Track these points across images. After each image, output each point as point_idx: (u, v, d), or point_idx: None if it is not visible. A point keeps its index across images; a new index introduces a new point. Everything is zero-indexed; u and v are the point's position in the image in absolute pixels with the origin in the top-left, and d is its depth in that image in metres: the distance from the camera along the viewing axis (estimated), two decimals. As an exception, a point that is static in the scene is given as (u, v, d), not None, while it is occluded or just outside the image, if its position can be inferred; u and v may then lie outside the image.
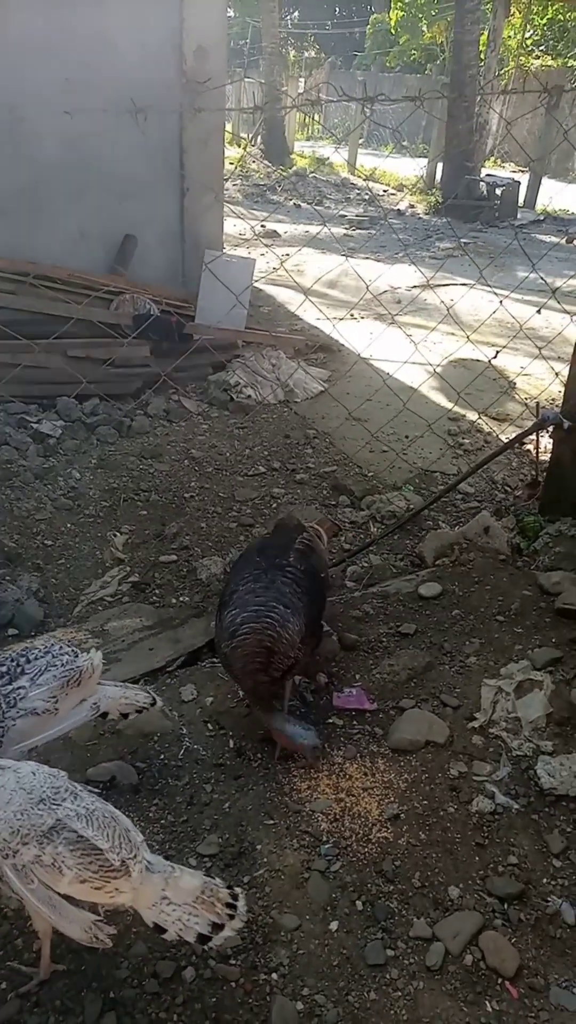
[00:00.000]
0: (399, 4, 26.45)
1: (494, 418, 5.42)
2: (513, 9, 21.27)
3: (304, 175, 17.31)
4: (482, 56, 16.09)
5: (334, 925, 1.94)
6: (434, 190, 16.36)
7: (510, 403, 5.74)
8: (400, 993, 1.81)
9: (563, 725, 2.51)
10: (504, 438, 4.96)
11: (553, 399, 5.49)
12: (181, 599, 3.44)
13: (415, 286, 8.80)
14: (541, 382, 6.07)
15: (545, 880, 2.08)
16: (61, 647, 2.08)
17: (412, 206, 15.67)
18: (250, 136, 19.80)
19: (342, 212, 13.90)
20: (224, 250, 6.92)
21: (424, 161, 18.24)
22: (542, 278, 4.51)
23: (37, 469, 4.27)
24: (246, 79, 24.62)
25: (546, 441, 4.02)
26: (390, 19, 27.90)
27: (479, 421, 5.34)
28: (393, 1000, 1.79)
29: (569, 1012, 1.79)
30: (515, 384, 6.05)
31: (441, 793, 2.31)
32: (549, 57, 25.18)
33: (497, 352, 5.16)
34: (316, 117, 22.65)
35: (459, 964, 1.87)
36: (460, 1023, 1.75)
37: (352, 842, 2.14)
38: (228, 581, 2.60)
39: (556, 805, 2.29)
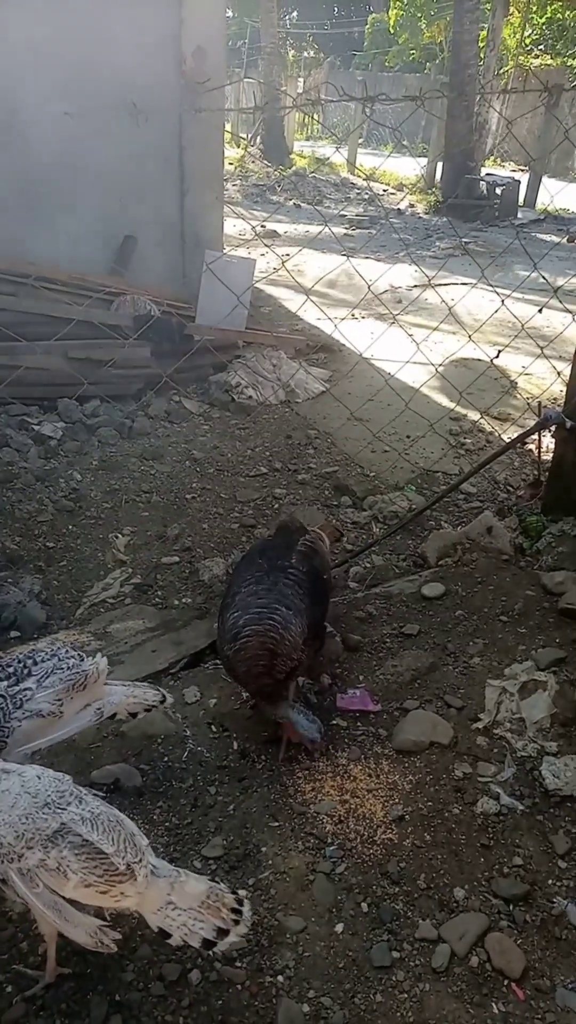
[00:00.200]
0: (398, 3, 26.44)
1: (496, 418, 5.42)
2: (512, 8, 21.26)
3: (304, 175, 17.31)
4: (481, 55, 16.08)
5: (339, 927, 1.94)
6: (434, 189, 16.36)
7: (512, 403, 5.73)
8: (406, 995, 1.80)
9: (567, 726, 2.51)
10: (506, 438, 4.95)
11: (555, 398, 5.49)
12: (183, 600, 3.44)
13: (416, 285, 8.80)
14: (543, 381, 6.07)
15: (550, 881, 2.08)
16: (67, 651, 2.08)
17: (412, 205, 15.67)
18: (249, 136, 19.80)
19: (342, 212, 13.90)
20: (224, 250, 6.91)
21: (424, 160, 18.24)
22: (544, 277, 4.51)
23: (38, 471, 4.27)
24: (246, 79, 24.62)
25: (548, 441, 4.02)
26: (389, 18, 27.91)
27: (481, 421, 5.33)
28: (399, 1002, 1.79)
29: (575, 1013, 1.78)
30: (516, 384, 6.04)
31: (446, 794, 2.30)
32: (548, 56, 25.18)
33: (499, 351, 5.15)
34: (316, 117, 22.63)
35: (465, 966, 1.87)
36: (466, 1025, 1.75)
37: (357, 844, 2.14)
38: (230, 583, 2.59)
39: (561, 806, 2.28)
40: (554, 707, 2.54)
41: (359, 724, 2.59)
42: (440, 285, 8.39)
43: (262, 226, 11.36)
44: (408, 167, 19.07)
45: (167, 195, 6.63)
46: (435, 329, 5.91)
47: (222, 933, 1.61)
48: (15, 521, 3.82)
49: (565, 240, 12.05)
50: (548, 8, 23.87)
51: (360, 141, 21.76)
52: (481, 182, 14.84)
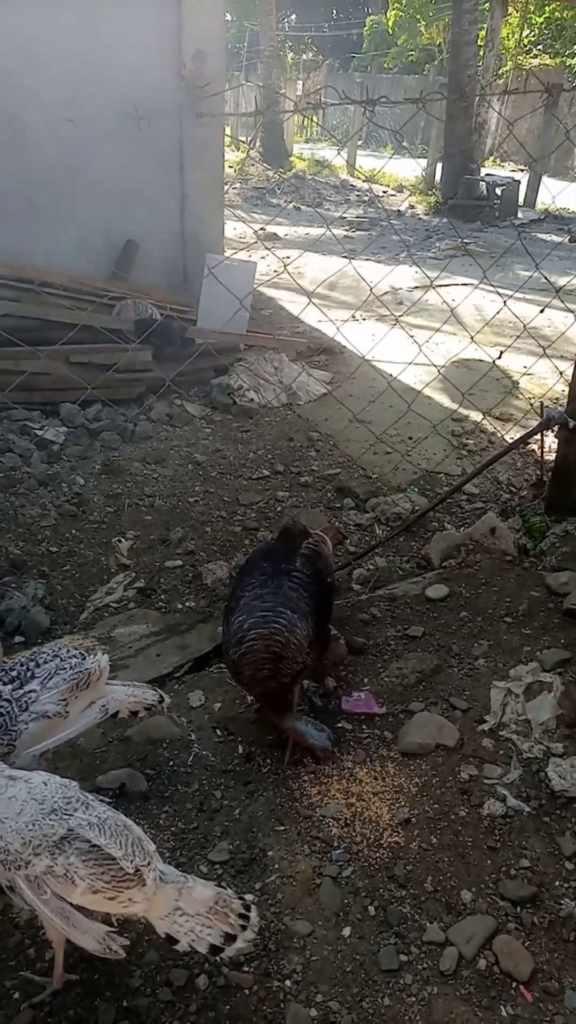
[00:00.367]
0: (396, 5, 26.46)
1: (498, 418, 5.41)
2: (511, 8, 21.27)
3: (303, 177, 17.33)
4: (480, 56, 16.09)
5: (347, 931, 1.94)
6: (434, 190, 16.37)
7: (514, 403, 5.73)
8: (414, 999, 1.80)
9: (573, 727, 2.50)
10: (508, 438, 4.95)
11: (557, 398, 5.49)
12: (187, 604, 3.44)
13: (416, 287, 8.80)
14: (544, 382, 6.07)
15: (558, 883, 2.07)
16: (68, 650, 2.09)
17: (412, 207, 15.68)
18: (249, 139, 19.83)
19: (343, 214, 13.91)
20: (225, 254, 6.92)
21: (423, 161, 18.25)
22: (545, 278, 4.51)
23: (41, 475, 4.27)
24: (248, 83, 24.66)
25: (551, 441, 4.02)
26: (387, 20, 27.94)
27: (483, 422, 5.33)
28: (407, 1006, 1.78)
29: (585, 1016, 1.78)
30: (518, 384, 6.04)
31: (452, 797, 2.30)
32: (547, 56, 25.18)
33: (502, 352, 5.15)
34: (315, 120, 22.67)
35: (473, 969, 1.86)
36: (475, 1029, 1.75)
37: (363, 847, 2.13)
38: (234, 587, 2.59)
39: (567, 807, 2.28)
40: (560, 708, 2.54)
41: (364, 727, 2.59)
42: (441, 286, 8.39)
43: (262, 229, 11.38)
44: (408, 168, 19.09)
45: (168, 199, 6.64)
46: (437, 331, 5.91)
47: (230, 939, 1.61)
48: (18, 526, 3.82)
49: (567, 240, 12.04)
50: (546, 8, 23.88)
51: (359, 143, 21.78)
52: (481, 182, 14.84)
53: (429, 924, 1.95)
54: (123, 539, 3.86)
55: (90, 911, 1.61)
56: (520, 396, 5.89)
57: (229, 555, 3.78)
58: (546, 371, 6.10)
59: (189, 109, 6.19)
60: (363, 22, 31.29)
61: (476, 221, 13.67)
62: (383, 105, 3.48)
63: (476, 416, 5.37)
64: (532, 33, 25.74)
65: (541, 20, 25.27)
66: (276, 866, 2.08)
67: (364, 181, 17.33)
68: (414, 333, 6.31)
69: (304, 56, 35.45)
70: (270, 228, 11.82)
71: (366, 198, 16.11)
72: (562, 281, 5.13)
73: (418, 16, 25.88)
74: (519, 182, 15.14)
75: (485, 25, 17.12)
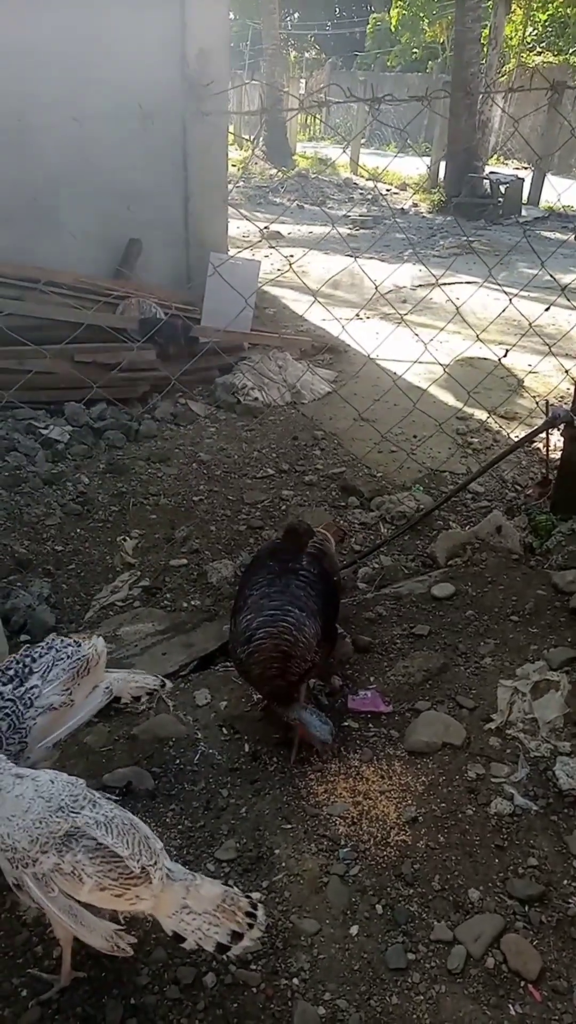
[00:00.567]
0: (399, 3, 26.44)
1: (503, 417, 5.40)
2: (514, 6, 21.20)
3: (307, 176, 17.32)
4: (484, 53, 16.06)
5: (354, 929, 1.93)
6: (437, 188, 16.34)
7: (519, 401, 5.72)
8: (422, 997, 1.80)
9: (580, 725, 2.50)
10: (514, 437, 4.94)
11: (562, 396, 5.47)
12: (192, 603, 3.44)
13: (420, 285, 8.79)
14: (549, 380, 6.05)
15: (566, 881, 2.07)
16: (62, 640, 2.09)
17: (415, 205, 15.66)
18: (253, 138, 19.83)
19: (346, 213, 13.89)
20: (229, 252, 6.92)
21: (427, 159, 18.22)
22: (551, 275, 4.50)
23: (46, 475, 4.27)
24: (252, 81, 24.65)
25: (556, 439, 4.01)
26: (390, 18, 27.92)
27: (488, 420, 5.32)
28: (415, 1004, 1.78)
29: (593, 1015, 1.77)
30: (523, 382, 6.02)
31: (459, 795, 2.30)
32: (551, 53, 25.11)
33: (507, 351, 5.14)
34: (319, 118, 22.66)
35: (481, 967, 1.86)
36: (483, 1027, 1.74)
37: (370, 846, 2.13)
38: (241, 585, 2.58)
39: (575, 806, 2.27)
40: (567, 707, 2.53)
41: (371, 725, 2.58)
42: (445, 284, 8.37)
43: (266, 227, 11.38)
44: (411, 166, 19.06)
45: (172, 197, 6.63)
46: (442, 329, 5.90)
47: (237, 937, 1.61)
48: (23, 525, 3.83)
49: (572, 238, 12.01)
50: (550, 5, 23.82)
51: (363, 141, 21.76)
52: (485, 180, 14.82)
53: (437, 923, 1.95)
54: (128, 538, 3.86)
55: (97, 909, 1.61)
56: (525, 394, 5.88)
57: (234, 554, 3.78)
58: (551, 369, 6.09)
59: (193, 108, 6.19)
60: (366, 20, 31.32)
61: (480, 219, 13.65)
62: (387, 103, 3.48)
63: (481, 414, 5.36)
64: (536, 30, 25.66)
65: (544, 17, 25.18)
66: (283, 864, 2.08)
67: (368, 179, 17.32)
68: (419, 331, 6.31)
69: (307, 54, 35.43)
70: (274, 227, 11.81)
71: (369, 196, 16.09)
72: (567, 279, 5.11)
73: (421, 14, 25.86)
74: (523, 180, 15.12)
75: (488, 22, 17.08)
